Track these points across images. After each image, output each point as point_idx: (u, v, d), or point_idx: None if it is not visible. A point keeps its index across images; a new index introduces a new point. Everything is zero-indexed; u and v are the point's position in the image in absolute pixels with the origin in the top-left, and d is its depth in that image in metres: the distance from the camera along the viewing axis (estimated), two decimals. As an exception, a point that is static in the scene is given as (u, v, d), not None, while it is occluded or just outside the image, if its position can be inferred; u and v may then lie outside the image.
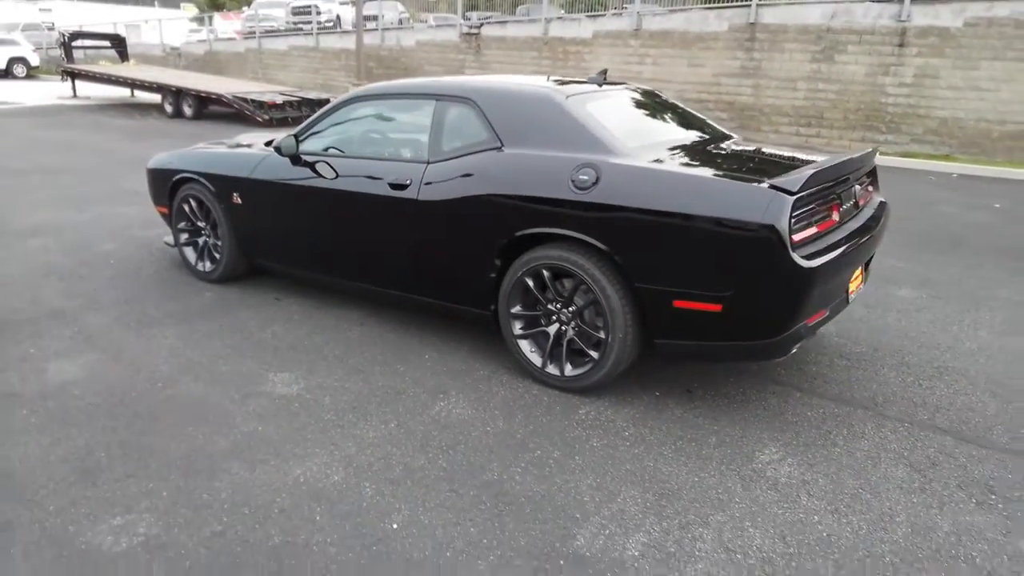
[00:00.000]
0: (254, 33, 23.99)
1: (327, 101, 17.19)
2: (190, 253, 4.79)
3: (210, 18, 31.91)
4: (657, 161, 2.99)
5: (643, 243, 2.86)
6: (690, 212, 2.73)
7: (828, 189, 2.91)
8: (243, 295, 4.46)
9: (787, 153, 3.55)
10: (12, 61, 25.10)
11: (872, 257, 3.44)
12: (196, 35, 30.77)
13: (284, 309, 4.24)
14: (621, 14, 16.48)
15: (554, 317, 3.22)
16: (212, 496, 2.43)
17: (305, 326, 3.98)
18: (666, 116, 3.87)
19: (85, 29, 22.93)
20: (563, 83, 3.65)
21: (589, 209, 2.94)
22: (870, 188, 3.64)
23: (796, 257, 2.58)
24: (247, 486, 2.49)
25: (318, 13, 22.36)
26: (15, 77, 24.87)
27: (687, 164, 2.99)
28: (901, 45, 12.82)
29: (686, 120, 3.89)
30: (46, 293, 4.46)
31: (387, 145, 3.78)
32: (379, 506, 2.39)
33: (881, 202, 3.64)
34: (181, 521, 2.29)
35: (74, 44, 19.83)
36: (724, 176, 2.82)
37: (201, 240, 4.72)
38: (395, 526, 2.29)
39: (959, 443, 2.83)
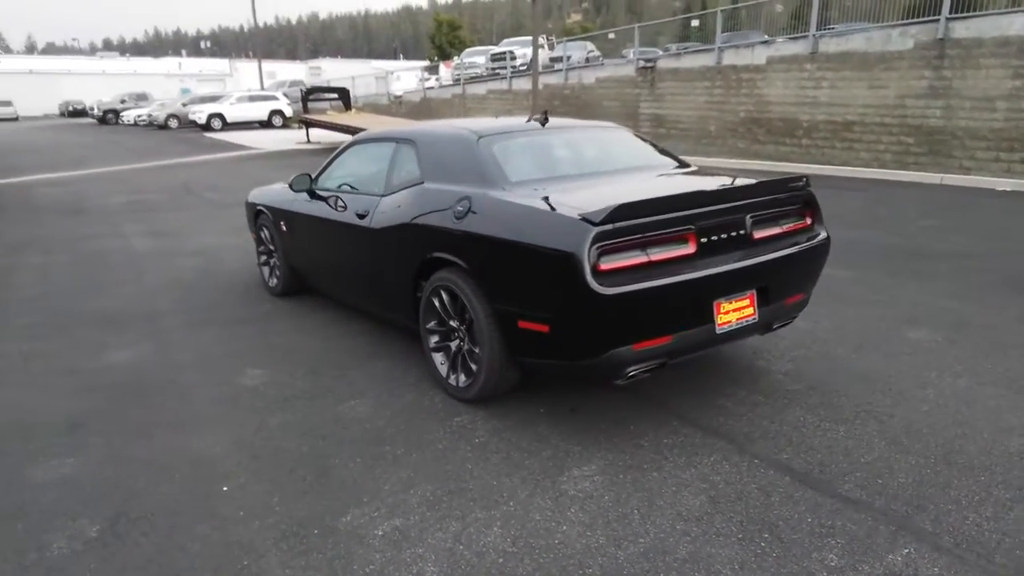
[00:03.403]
0: (459, 80, 26.38)
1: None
2: (266, 272, 5.82)
3: (435, 67, 35.38)
4: (533, 192, 3.26)
5: (495, 267, 3.17)
6: (520, 239, 3.00)
7: (680, 220, 2.96)
8: (292, 307, 5.34)
9: (698, 185, 3.56)
10: (272, 113, 30.14)
11: (769, 290, 3.28)
12: (426, 83, 34.18)
13: (311, 320, 5.03)
14: (796, 38, 15.74)
15: (455, 334, 3.59)
16: (133, 453, 3.18)
17: (315, 335, 4.72)
18: (603, 152, 4.05)
19: (320, 85, 26.92)
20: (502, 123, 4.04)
21: (461, 236, 3.32)
22: (807, 220, 3.52)
23: (593, 284, 2.73)
24: (160, 449, 3.21)
25: (512, 58, 24.04)
26: (273, 127, 29.80)
27: (548, 195, 3.20)
28: None
29: (629, 155, 4.05)
30: (160, 299, 5.71)
31: (364, 181, 4.42)
32: (229, 473, 2.97)
33: (813, 237, 3.50)
34: (99, 464, 3.06)
35: (310, 97, 23.42)
36: (554, 207, 3.01)
37: (272, 261, 5.72)
38: (225, 488, 2.85)
39: (794, 484, 2.72)
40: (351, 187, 4.51)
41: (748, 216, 3.22)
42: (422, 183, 3.76)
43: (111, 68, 60.61)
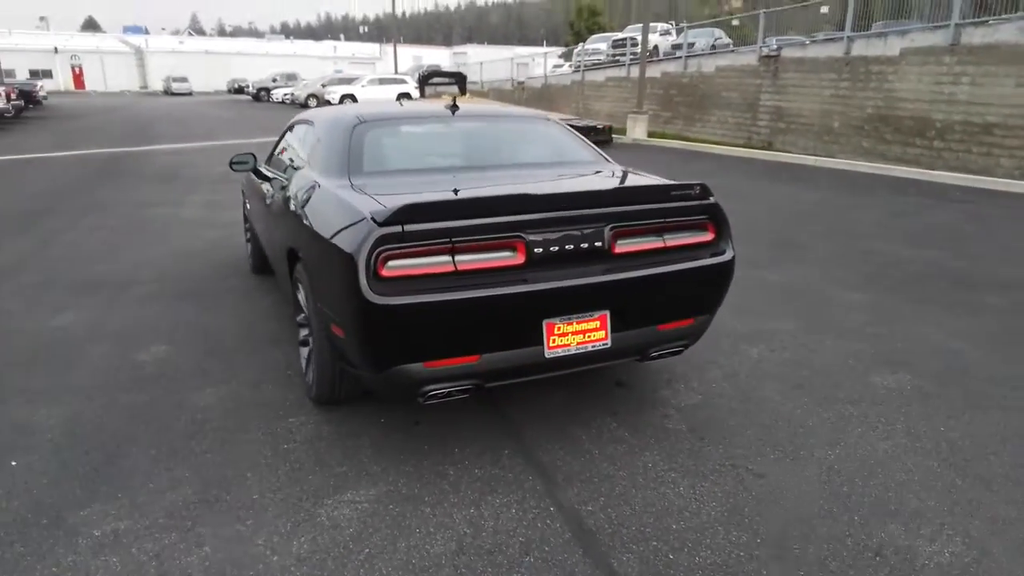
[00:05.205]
0: (579, 67, 25.86)
1: (602, 128, 17.89)
2: (249, 248, 5.87)
3: (569, 53, 34.92)
4: (373, 185, 2.96)
5: (315, 263, 2.91)
6: (324, 235, 2.72)
7: (504, 226, 2.55)
8: (254, 286, 5.32)
9: (566, 187, 3.09)
10: (400, 96, 31.07)
11: (627, 313, 2.77)
12: (558, 69, 33.83)
13: (261, 302, 4.96)
14: (936, 28, 13.90)
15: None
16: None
17: (247, 317, 4.63)
18: (506, 146, 3.67)
19: (439, 69, 27.47)
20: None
21: (301, 228, 3.07)
22: (708, 235, 2.96)
23: (367, 291, 2.40)
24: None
25: (633, 44, 23.15)
26: (400, 108, 30.75)
27: (373, 190, 2.87)
28: None
29: (536, 152, 3.65)
30: (150, 269, 5.88)
31: (288, 162, 4.26)
32: (33, 448, 2.92)
33: (717, 254, 2.93)
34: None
35: (428, 82, 23.85)
36: (356, 204, 2.67)
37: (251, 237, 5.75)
38: (14, 463, 2.81)
39: (566, 545, 2.27)
40: (284, 166, 4.39)
41: (608, 227, 2.73)
42: (302, 168, 3.56)
43: (275, 50, 65.39)
